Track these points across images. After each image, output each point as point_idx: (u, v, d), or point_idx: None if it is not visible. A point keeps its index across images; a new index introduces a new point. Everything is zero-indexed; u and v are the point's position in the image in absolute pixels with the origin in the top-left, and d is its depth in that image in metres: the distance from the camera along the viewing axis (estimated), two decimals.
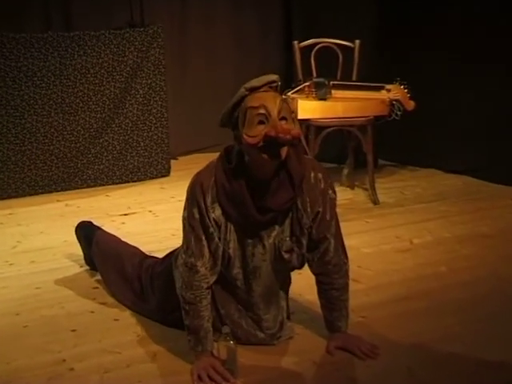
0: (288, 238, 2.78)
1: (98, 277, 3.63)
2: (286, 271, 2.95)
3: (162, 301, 3.11)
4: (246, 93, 2.61)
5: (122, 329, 3.18)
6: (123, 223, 4.58)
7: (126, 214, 4.76)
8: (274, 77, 2.65)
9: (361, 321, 3.18)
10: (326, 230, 2.80)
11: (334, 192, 2.82)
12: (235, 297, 2.92)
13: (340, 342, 2.92)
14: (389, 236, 4.25)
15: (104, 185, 5.39)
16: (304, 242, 2.80)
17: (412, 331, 3.09)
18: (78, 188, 5.31)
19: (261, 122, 2.58)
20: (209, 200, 2.69)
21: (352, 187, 5.21)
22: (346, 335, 2.93)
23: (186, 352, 2.84)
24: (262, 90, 2.61)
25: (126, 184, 5.44)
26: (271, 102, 2.58)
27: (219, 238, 2.74)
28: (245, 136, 2.59)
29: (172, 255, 3.06)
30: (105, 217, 4.65)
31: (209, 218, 2.70)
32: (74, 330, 3.17)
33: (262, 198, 2.68)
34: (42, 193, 5.20)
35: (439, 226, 4.40)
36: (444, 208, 4.77)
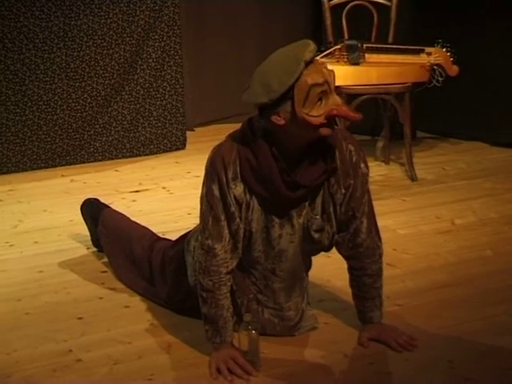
0: (319, 216, 2.78)
1: (106, 259, 3.65)
2: (313, 253, 2.96)
3: (173, 289, 3.13)
4: (303, 67, 2.55)
5: (133, 317, 3.20)
6: (134, 201, 4.59)
7: (137, 191, 4.77)
8: (311, 41, 2.61)
9: (396, 309, 3.18)
10: (356, 208, 2.80)
11: (367, 166, 2.82)
12: (254, 283, 2.92)
13: (374, 332, 2.92)
14: (428, 216, 4.24)
15: (113, 158, 5.41)
16: (334, 220, 2.80)
17: (453, 321, 3.09)
18: (85, 162, 5.33)
19: (320, 98, 2.57)
20: (230, 176, 2.69)
21: (387, 162, 5.20)
22: (380, 325, 2.94)
23: (203, 342, 2.85)
24: (313, 61, 2.59)
25: (138, 158, 5.45)
26: (332, 77, 2.59)
27: (240, 218, 2.74)
28: (306, 116, 2.56)
29: (185, 238, 3.07)
30: (114, 194, 4.67)
31: (230, 196, 2.70)
32: (80, 318, 3.20)
33: (293, 173, 2.68)
34: (45, 167, 5.22)
35: (484, 206, 4.39)
36: (490, 185, 4.75)
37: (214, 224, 2.73)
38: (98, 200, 3.82)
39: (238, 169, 2.69)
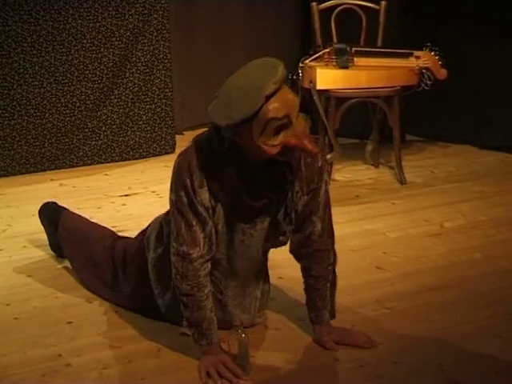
0: (282, 221, 2.82)
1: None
2: (273, 248, 3.01)
3: (137, 287, 3.14)
4: (263, 101, 2.50)
5: (122, 321, 3.19)
6: (124, 205, 4.58)
7: (126, 195, 4.76)
8: (280, 66, 2.54)
9: (386, 313, 3.19)
10: (314, 211, 2.84)
11: (329, 173, 2.85)
12: (214, 282, 2.93)
13: (334, 336, 2.94)
14: (417, 219, 4.25)
15: (102, 162, 5.40)
16: (294, 221, 2.85)
17: (443, 324, 3.10)
18: (74, 166, 5.32)
19: (279, 129, 2.56)
20: (196, 183, 2.70)
21: (376, 165, 5.20)
22: (335, 329, 2.97)
23: (193, 346, 2.85)
24: (279, 89, 2.53)
25: (127, 162, 5.44)
26: (294, 109, 2.55)
27: (211, 220, 2.76)
28: (262, 145, 2.56)
29: (145, 235, 3.10)
30: (103, 198, 4.66)
31: (197, 202, 2.71)
32: (70, 322, 3.19)
33: (256, 183, 2.70)
34: (34, 171, 5.20)
35: (473, 208, 4.39)
36: (479, 188, 4.76)
37: (187, 230, 2.74)
38: (55, 203, 3.81)
39: (204, 177, 2.70)
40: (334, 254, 2.96)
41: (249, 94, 2.50)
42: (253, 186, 2.70)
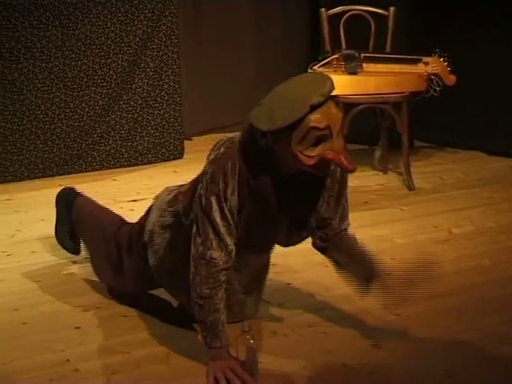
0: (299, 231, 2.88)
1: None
2: None
3: (138, 272, 3.16)
4: (308, 110, 2.55)
5: (130, 326, 3.19)
6: (132, 210, 4.58)
7: (135, 200, 4.77)
8: (329, 80, 2.59)
9: (394, 319, 3.18)
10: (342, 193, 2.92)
11: None
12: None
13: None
14: (426, 225, 4.24)
15: (111, 168, 5.40)
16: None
17: (451, 330, 3.09)
18: (83, 171, 5.33)
19: (318, 141, 2.58)
20: (229, 190, 2.72)
21: (385, 171, 5.20)
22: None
23: (202, 352, 2.85)
24: (325, 102, 2.57)
25: (135, 167, 5.45)
26: (337, 123, 2.59)
27: (235, 226, 2.78)
28: (299, 154, 2.59)
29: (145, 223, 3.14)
30: (112, 203, 4.66)
31: (227, 208, 2.73)
32: (78, 328, 3.20)
33: (287, 195, 2.74)
34: (43, 177, 5.21)
35: (482, 215, 4.39)
36: (487, 194, 4.75)
37: (215, 235, 2.75)
38: (73, 189, 3.82)
39: (237, 185, 2.72)
40: None
41: (294, 102, 2.55)
42: (285, 197, 2.74)
